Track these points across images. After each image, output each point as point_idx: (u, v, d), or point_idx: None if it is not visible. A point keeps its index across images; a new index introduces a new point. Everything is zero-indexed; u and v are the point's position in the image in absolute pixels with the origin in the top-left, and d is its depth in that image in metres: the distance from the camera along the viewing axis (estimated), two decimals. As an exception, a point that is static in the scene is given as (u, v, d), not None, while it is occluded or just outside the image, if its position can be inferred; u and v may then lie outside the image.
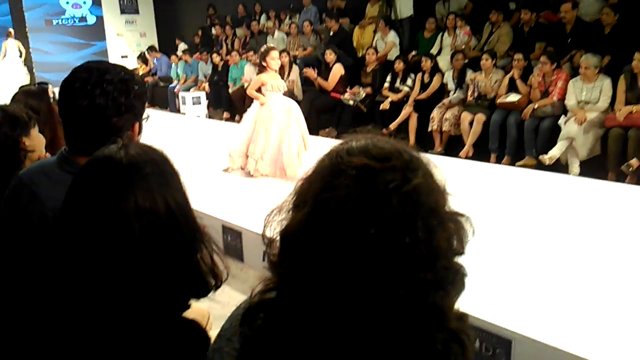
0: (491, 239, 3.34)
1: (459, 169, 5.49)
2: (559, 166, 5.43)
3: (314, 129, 6.64)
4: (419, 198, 0.72)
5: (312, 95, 7.91)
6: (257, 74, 5.28)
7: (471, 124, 6.19)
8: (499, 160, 5.97)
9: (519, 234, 3.59)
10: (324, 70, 7.91)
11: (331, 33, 8.63)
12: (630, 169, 4.89)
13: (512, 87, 6.05)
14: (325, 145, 0.85)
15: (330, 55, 7.76)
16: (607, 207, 4.13)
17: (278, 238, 0.77)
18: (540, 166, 5.44)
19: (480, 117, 6.11)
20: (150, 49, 12.32)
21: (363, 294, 0.70)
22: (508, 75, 6.07)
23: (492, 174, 5.38)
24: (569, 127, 5.34)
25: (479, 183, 4.88)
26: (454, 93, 6.66)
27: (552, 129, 5.58)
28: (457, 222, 0.76)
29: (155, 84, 11.50)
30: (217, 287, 1.05)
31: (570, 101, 5.52)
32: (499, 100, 6.06)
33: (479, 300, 2.55)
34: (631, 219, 3.79)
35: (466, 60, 6.66)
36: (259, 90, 5.10)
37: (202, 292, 1.03)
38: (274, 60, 5.00)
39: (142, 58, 12.34)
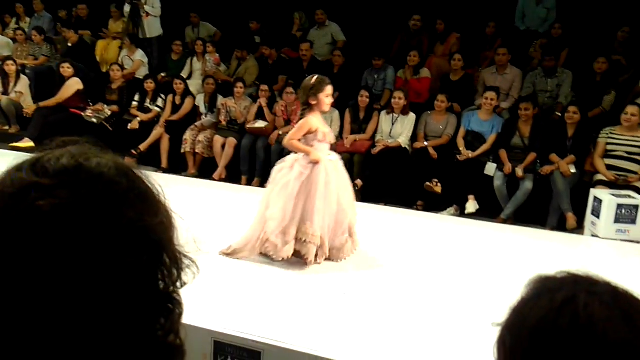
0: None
1: (212, 191, 5.62)
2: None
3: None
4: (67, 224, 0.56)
5: (46, 111, 7.04)
6: (298, 114, 3.77)
7: (223, 146, 6.42)
8: (249, 182, 6.32)
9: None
10: (59, 83, 7.15)
11: (69, 44, 7.89)
12: (357, 188, 5.77)
13: (259, 114, 6.51)
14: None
15: (67, 70, 7.05)
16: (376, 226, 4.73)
17: None
18: (286, 187, 5.96)
19: (232, 141, 6.39)
20: None
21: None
22: (256, 104, 6.51)
23: (245, 196, 5.65)
24: (308, 151, 6.02)
25: (233, 204, 5.08)
26: (206, 116, 6.81)
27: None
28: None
29: None
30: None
31: (308, 129, 6.24)
32: (248, 126, 6.45)
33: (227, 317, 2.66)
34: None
35: (214, 86, 6.89)
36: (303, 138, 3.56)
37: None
38: (329, 98, 3.60)
39: None
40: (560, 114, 5.60)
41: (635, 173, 5.02)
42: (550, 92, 6.02)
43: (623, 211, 4.51)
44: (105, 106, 7.04)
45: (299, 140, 3.54)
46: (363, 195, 5.80)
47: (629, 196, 4.68)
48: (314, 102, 3.51)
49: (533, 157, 5.39)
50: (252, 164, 6.35)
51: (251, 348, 2.41)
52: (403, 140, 5.88)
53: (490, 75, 6.24)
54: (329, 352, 2.39)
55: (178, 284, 0.64)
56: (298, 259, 3.48)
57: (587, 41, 6.41)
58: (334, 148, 6.03)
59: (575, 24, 6.59)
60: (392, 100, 5.92)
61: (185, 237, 0.66)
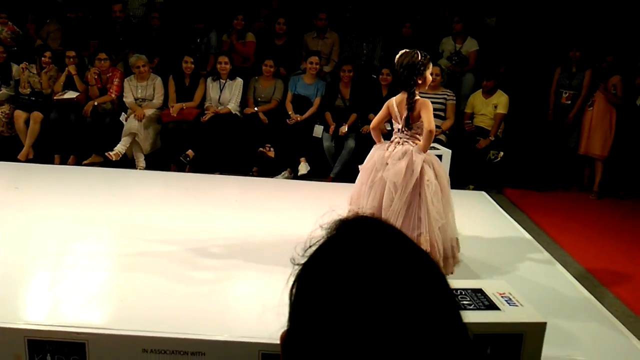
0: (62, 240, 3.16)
1: (18, 173, 4.90)
2: (127, 161, 5.61)
3: None
4: None
5: None
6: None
7: (27, 122, 5.61)
8: (63, 161, 5.65)
9: (94, 232, 3.52)
10: None
11: None
12: (188, 159, 5.53)
13: (69, 84, 5.80)
14: None
15: None
16: (197, 194, 4.51)
17: None
18: (108, 163, 5.47)
19: (37, 115, 5.62)
20: None
21: None
22: (64, 72, 5.77)
23: (60, 176, 5.04)
24: (130, 123, 5.56)
25: (45, 186, 4.49)
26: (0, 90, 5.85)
27: (114, 125, 5.68)
28: None
29: None
30: None
31: (128, 98, 5.75)
32: (56, 97, 5.71)
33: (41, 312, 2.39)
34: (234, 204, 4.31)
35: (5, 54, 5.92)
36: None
37: None
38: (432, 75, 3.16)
39: None
40: (375, 76, 5.99)
41: (438, 127, 5.65)
42: (365, 55, 6.41)
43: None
44: None
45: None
46: (195, 165, 5.60)
47: (434, 147, 5.25)
48: (420, 81, 3.02)
49: (354, 117, 5.72)
50: (65, 140, 5.67)
51: (73, 341, 2.17)
52: (232, 106, 5.77)
53: (312, 39, 6.40)
54: (160, 329, 2.25)
55: None
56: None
57: (395, 6, 6.90)
58: (159, 117, 5.74)
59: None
60: (218, 66, 5.73)
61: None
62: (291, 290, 0.66)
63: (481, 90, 5.74)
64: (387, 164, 2.99)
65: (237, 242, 3.46)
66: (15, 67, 5.88)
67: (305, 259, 0.67)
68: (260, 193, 4.76)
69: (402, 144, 3.02)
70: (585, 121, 5.73)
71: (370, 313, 0.59)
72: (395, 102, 3.09)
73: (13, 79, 5.87)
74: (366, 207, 2.98)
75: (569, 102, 5.83)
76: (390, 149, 3.04)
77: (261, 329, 2.09)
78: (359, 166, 3.22)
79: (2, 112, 5.66)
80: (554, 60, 6.07)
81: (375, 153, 3.11)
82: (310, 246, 0.68)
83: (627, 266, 3.75)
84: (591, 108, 5.68)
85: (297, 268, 0.67)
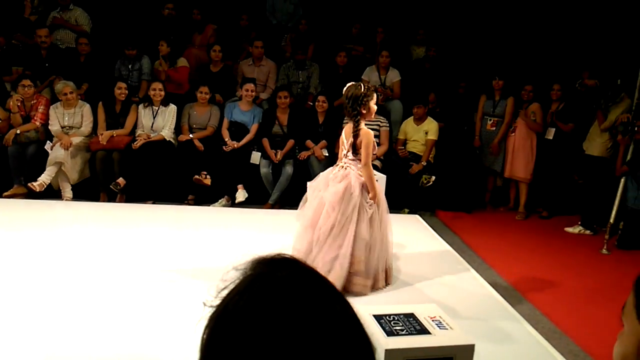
0: None
1: None
2: (52, 192, 5.32)
3: None
4: None
5: None
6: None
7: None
8: (-19, 192, 5.29)
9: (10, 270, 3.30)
10: None
11: None
12: (119, 187, 5.33)
13: (-12, 111, 5.47)
14: None
15: None
16: (100, 225, 4.36)
17: None
18: (32, 194, 5.17)
19: (-49, 145, 5.23)
20: None
21: None
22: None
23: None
24: (56, 151, 5.30)
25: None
26: None
27: (39, 154, 5.40)
28: None
29: None
30: None
31: (54, 126, 5.49)
32: (-27, 125, 5.36)
33: None
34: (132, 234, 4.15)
35: None
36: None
37: None
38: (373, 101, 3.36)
39: None
40: (311, 103, 6.08)
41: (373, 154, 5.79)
42: (302, 82, 6.49)
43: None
44: None
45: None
46: (127, 194, 5.41)
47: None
48: (364, 111, 3.27)
49: (292, 143, 5.75)
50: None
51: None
52: (166, 133, 5.64)
53: (247, 67, 6.41)
54: None
55: None
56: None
57: (329, 36, 7.08)
58: (87, 145, 5.51)
59: (318, 21, 7.22)
60: (151, 92, 5.61)
61: None
62: (203, 334, 0.63)
63: (412, 117, 5.96)
64: (328, 185, 3.27)
65: (168, 274, 3.34)
66: None
67: (218, 302, 0.64)
68: (196, 222, 4.65)
69: (346, 168, 3.31)
70: (508, 146, 6.06)
71: (287, 355, 0.57)
72: (344, 130, 3.38)
73: None
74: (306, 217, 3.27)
75: (494, 128, 6.15)
76: (334, 172, 3.34)
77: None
78: (308, 183, 3.48)
79: None
80: (479, 88, 6.41)
81: (322, 174, 3.43)
82: (223, 288, 0.65)
83: (554, 284, 3.95)
84: (513, 134, 6.03)
85: (209, 311, 0.64)
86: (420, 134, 5.90)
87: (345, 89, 3.32)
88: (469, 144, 6.26)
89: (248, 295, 0.63)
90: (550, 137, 5.91)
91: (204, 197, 5.55)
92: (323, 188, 3.27)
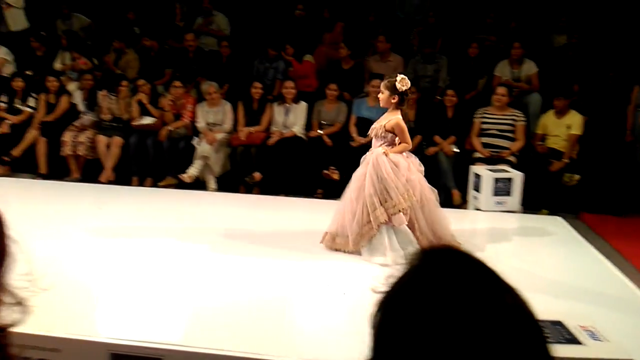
0: (142, 259, 3.36)
1: (100, 194, 5.25)
2: (198, 183, 5.87)
3: None
4: None
5: None
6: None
7: (108, 146, 6.01)
8: (141, 183, 6.00)
9: (171, 250, 3.71)
10: None
11: None
12: (255, 180, 5.72)
13: (144, 110, 6.17)
14: None
15: None
16: (278, 217, 4.66)
17: None
18: (182, 184, 5.75)
19: (118, 140, 6.00)
20: None
21: None
22: (135, 99, 6.15)
23: (137, 197, 5.36)
24: (202, 147, 5.83)
25: (127, 206, 4.79)
26: (85, 115, 6.32)
27: (187, 149, 5.98)
28: None
29: None
30: None
31: (200, 124, 6.04)
32: (134, 123, 6.10)
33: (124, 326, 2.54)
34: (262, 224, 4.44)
35: (93, 82, 6.40)
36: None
37: None
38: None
39: None
40: (440, 97, 5.97)
41: (507, 148, 5.53)
42: (429, 77, 6.40)
43: (500, 184, 4.96)
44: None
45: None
46: (262, 187, 5.78)
47: (504, 170, 5.15)
48: (405, 97, 3.92)
49: (419, 139, 5.70)
50: (143, 163, 6.02)
51: (151, 356, 2.30)
52: (297, 129, 5.92)
53: (375, 62, 6.47)
54: (235, 350, 2.33)
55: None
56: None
57: (459, 27, 6.88)
58: (228, 141, 5.98)
59: (447, 12, 7.04)
60: (283, 90, 5.92)
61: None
62: (375, 318, 0.68)
63: (553, 110, 5.58)
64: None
65: (305, 261, 3.54)
66: (99, 94, 6.33)
67: (388, 288, 0.69)
68: (326, 215, 4.83)
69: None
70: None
71: (459, 344, 0.61)
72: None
73: (98, 105, 6.31)
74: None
75: (648, 121, 5.55)
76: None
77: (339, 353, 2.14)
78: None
79: (86, 137, 6.09)
80: (631, 78, 5.81)
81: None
82: (390, 276, 0.70)
83: None
84: (672, 128, 5.39)
85: (379, 296, 0.69)
86: (562, 128, 5.51)
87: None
88: (619, 139, 5.70)
89: (418, 282, 0.67)
90: None
91: (333, 192, 5.73)
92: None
